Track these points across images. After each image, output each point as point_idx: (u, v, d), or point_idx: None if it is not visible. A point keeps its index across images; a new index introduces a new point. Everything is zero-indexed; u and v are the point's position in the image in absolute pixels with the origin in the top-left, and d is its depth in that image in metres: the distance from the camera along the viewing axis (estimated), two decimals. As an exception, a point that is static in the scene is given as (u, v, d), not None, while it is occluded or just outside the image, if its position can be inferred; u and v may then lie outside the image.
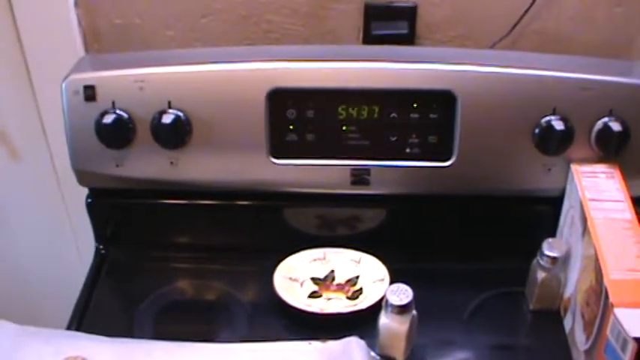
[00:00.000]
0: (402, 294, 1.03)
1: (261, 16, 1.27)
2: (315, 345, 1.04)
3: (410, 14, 1.26)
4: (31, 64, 1.33)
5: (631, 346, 0.88)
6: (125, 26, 1.29)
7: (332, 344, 1.03)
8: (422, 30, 1.27)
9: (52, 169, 1.44)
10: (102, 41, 1.31)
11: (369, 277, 1.20)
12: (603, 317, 0.95)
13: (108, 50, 1.32)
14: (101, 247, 1.30)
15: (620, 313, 0.91)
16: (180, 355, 1.03)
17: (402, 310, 1.03)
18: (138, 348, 1.04)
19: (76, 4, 1.27)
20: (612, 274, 0.96)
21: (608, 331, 0.93)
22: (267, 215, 1.27)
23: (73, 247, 1.51)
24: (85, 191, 1.27)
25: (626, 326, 0.89)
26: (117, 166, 1.19)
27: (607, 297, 0.94)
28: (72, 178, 1.23)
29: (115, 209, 1.29)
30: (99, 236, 1.30)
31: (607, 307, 0.93)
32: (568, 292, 1.12)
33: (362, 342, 1.03)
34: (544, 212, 1.23)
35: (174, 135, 1.16)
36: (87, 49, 1.31)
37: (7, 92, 1.38)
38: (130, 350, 1.04)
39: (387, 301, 1.04)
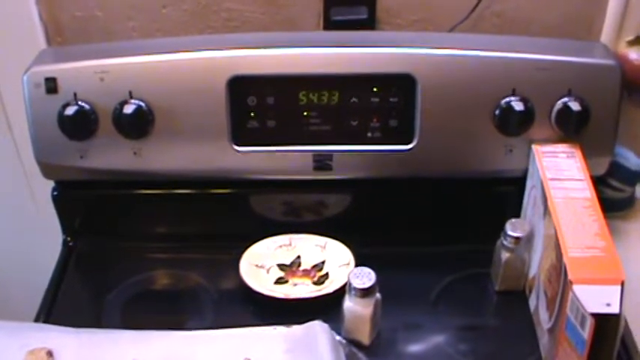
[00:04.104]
0: (365, 277, 1.04)
1: (220, 4, 1.27)
2: (280, 330, 1.04)
3: (369, -1, 1.26)
4: (-6, 58, 1.33)
5: (589, 322, 0.89)
6: (86, 18, 1.28)
7: (296, 329, 1.04)
8: (382, 15, 1.27)
9: (18, 162, 1.43)
10: (64, 34, 1.30)
11: (335, 261, 1.20)
12: (563, 295, 0.95)
13: (70, 43, 1.31)
14: (68, 238, 1.30)
15: (578, 289, 0.92)
16: (147, 343, 1.03)
17: (365, 293, 1.04)
18: (104, 338, 1.04)
19: (36, -2, 1.27)
20: (571, 252, 0.97)
21: (567, 309, 0.94)
22: (232, 203, 1.27)
23: (41, 240, 1.50)
24: (52, 183, 1.26)
25: (584, 302, 0.90)
26: (81, 157, 1.19)
27: (566, 274, 0.94)
28: (38, 170, 1.23)
29: (81, 201, 1.28)
30: (66, 228, 1.30)
31: (566, 285, 0.94)
32: (532, 271, 1.13)
33: (325, 326, 1.03)
34: (508, 193, 1.24)
35: (136, 125, 1.16)
36: (49, 43, 1.30)
37: (-29, 87, 1.37)
38: (96, 340, 1.04)
39: (350, 284, 1.04)
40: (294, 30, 1.29)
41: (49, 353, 1.00)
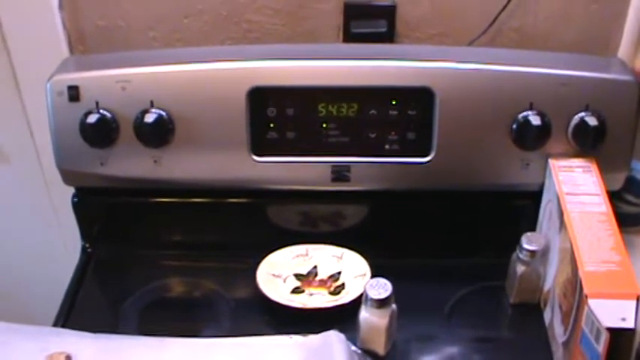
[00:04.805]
0: (381, 288, 1.04)
1: (241, 16, 1.28)
2: (296, 339, 1.05)
3: (389, 13, 1.26)
4: (17, 66, 1.34)
5: (604, 337, 0.89)
6: (109, 28, 1.30)
7: (312, 338, 1.04)
8: (401, 28, 1.28)
9: (39, 169, 1.44)
10: (86, 43, 1.32)
11: (351, 272, 1.21)
12: (578, 309, 0.96)
13: (92, 52, 1.32)
14: (87, 245, 1.31)
15: (593, 304, 0.92)
16: (164, 350, 1.03)
17: (382, 304, 1.04)
18: (122, 343, 1.05)
19: (60, 6, 1.28)
20: (587, 266, 0.97)
21: (582, 323, 0.94)
22: (250, 213, 1.28)
23: (60, 246, 1.52)
24: (72, 190, 1.27)
25: (599, 317, 0.90)
26: (101, 165, 1.20)
27: (581, 289, 0.95)
28: (59, 177, 1.24)
29: (101, 208, 1.29)
30: (85, 234, 1.30)
31: (582, 299, 0.94)
32: (547, 285, 1.13)
33: (342, 336, 1.03)
34: (524, 207, 1.24)
35: (157, 134, 1.16)
36: (72, 51, 1.32)
37: (-6, 94, 1.39)
38: (114, 346, 1.04)
39: (366, 295, 1.04)
40: (314, 42, 1.30)
41: (68, 358, 1.00)
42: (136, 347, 1.04)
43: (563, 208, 1.07)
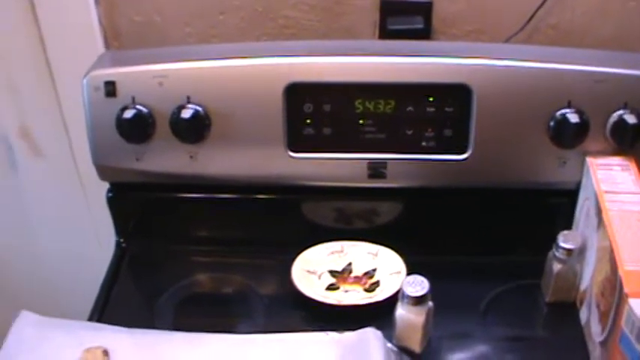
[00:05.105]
0: (418, 285, 1.04)
1: (278, 11, 1.28)
2: (332, 335, 1.05)
3: (425, 9, 1.26)
4: (53, 62, 1.35)
5: (645, 336, 0.88)
6: (145, 23, 1.31)
7: (348, 335, 1.04)
8: (438, 25, 1.28)
9: (73, 165, 1.45)
10: (122, 38, 1.32)
11: (386, 269, 1.20)
12: (618, 308, 0.95)
13: (128, 47, 1.33)
14: (122, 240, 1.31)
15: (634, 303, 0.91)
16: (199, 345, 1.04)
17: (418, 301, 1.03)
18: (158, 338, 1.06)
19: (96, 2, 1.29)
20: (627, 265, 0.96)
21: (622, 322, 0.93)
22: (285, 209, 1.28)
23: (94, 241, 1.53)
24: (106, 186, 1.28)
25: (640, 316, 0.90)
26: (137, 160, 1.20)
27: (621, 288, 0.94)
28: (93, 173, 1.24)
29: (136, 203, 1.30)
30: (119, 230, 1.31)
31: (621, 298, 0.93)
32: (584, 284, 1.12)
33: (379, 333, 1.03)
34: (560, 205, 1.23)
35: (193, 129, 1.16)
36: (107, 47, 1.32)
37: (30, 90, 1.40)
38: (150, 340, 1.05)
39: (403, 292, 1.04)
40: (350, 38, 1.30)
41: (105, 352, 1.01)
42: (171, 342, 1.05)
43: (602, 206, 1.06)
